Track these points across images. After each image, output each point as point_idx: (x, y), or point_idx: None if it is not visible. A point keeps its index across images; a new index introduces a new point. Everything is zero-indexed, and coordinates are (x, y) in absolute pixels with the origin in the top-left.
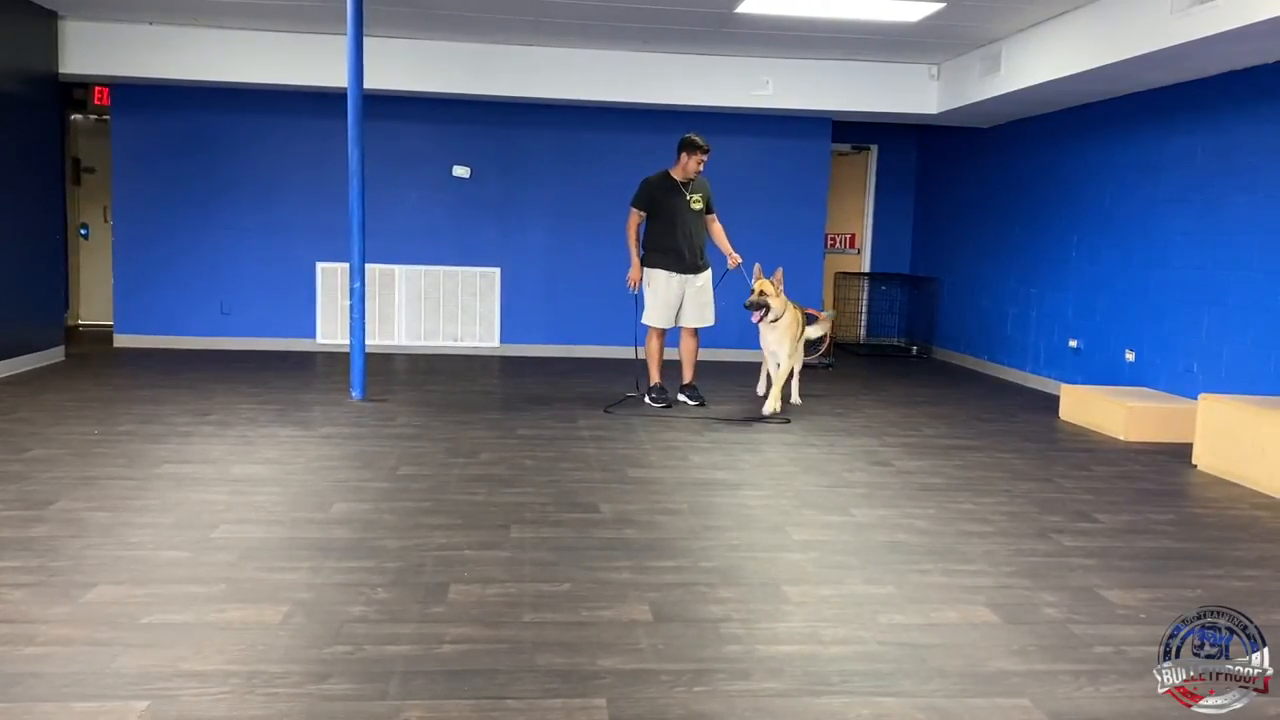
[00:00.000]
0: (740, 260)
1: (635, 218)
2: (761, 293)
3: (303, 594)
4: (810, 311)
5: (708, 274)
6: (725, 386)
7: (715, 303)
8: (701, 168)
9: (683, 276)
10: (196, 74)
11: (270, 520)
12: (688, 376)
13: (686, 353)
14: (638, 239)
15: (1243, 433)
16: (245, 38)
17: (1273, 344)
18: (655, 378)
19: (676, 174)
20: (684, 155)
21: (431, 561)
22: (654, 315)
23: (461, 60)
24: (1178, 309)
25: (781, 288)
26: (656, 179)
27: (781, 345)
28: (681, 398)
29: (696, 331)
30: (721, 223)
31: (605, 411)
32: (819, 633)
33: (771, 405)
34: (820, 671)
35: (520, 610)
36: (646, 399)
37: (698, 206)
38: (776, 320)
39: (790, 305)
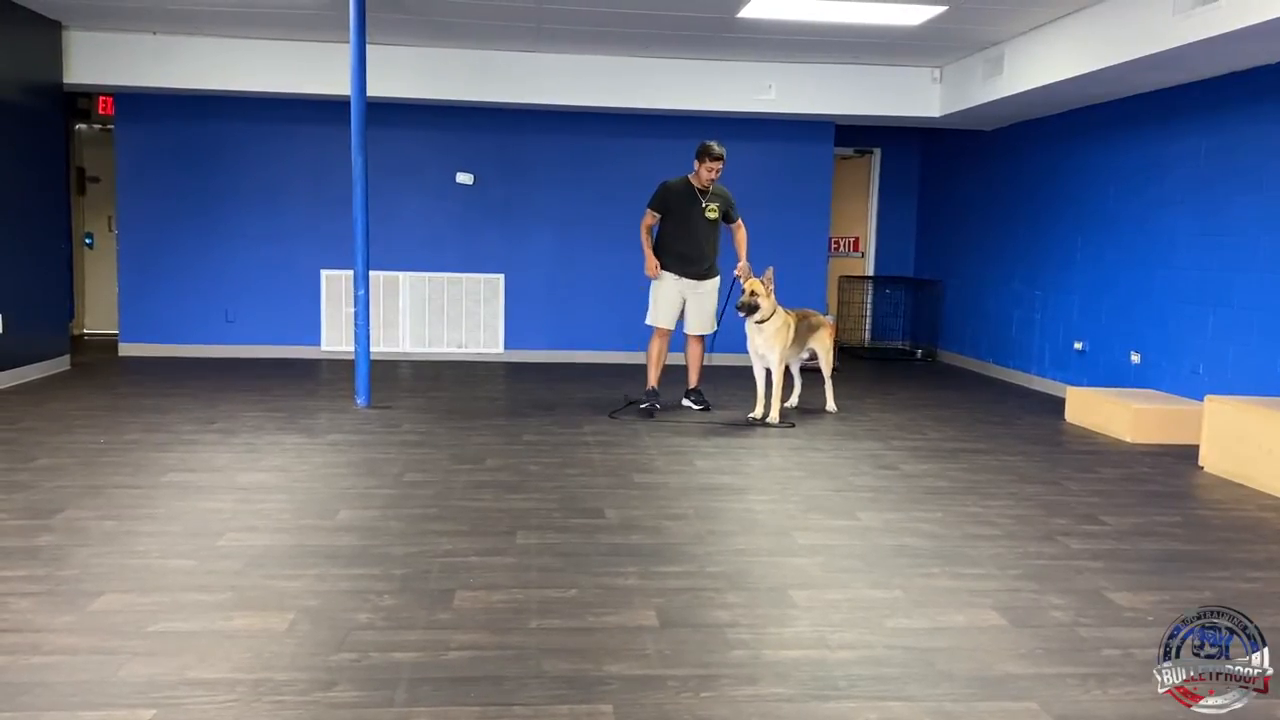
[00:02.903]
0: (746, 268)
1: (647, 218)
2: (753, 293)
3: (309, 601)
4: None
5: (714, 282)
6: (729, 391)
7: (723, 309)
8: (715, 174)
9: (688, 281)
10: (200, 83)
11: (276, 528)
12: (693, 381)
13: (691, 358)
14: (650, 238)
15: (1249, 434)
16: (249, 46)
17: (1278, 344)
18: (651, 381)
19: (695, 181)
20: (696, 162)
21: (437, 568)
22: (655, 315)
23: (464, 67)
24: (1182, 310)
25: (772, 287)
26: (675, 183)
27: (771, 349)
28: (686, 403)
29: (702, 338)
30: (724, 227)
31: (610, 416)
32: (826, 637)
33: (773, 416)
34: (827, 676)
35: (526, 616)
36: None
37: (712, 216)
38: (764, 322)
39: (781, 310)
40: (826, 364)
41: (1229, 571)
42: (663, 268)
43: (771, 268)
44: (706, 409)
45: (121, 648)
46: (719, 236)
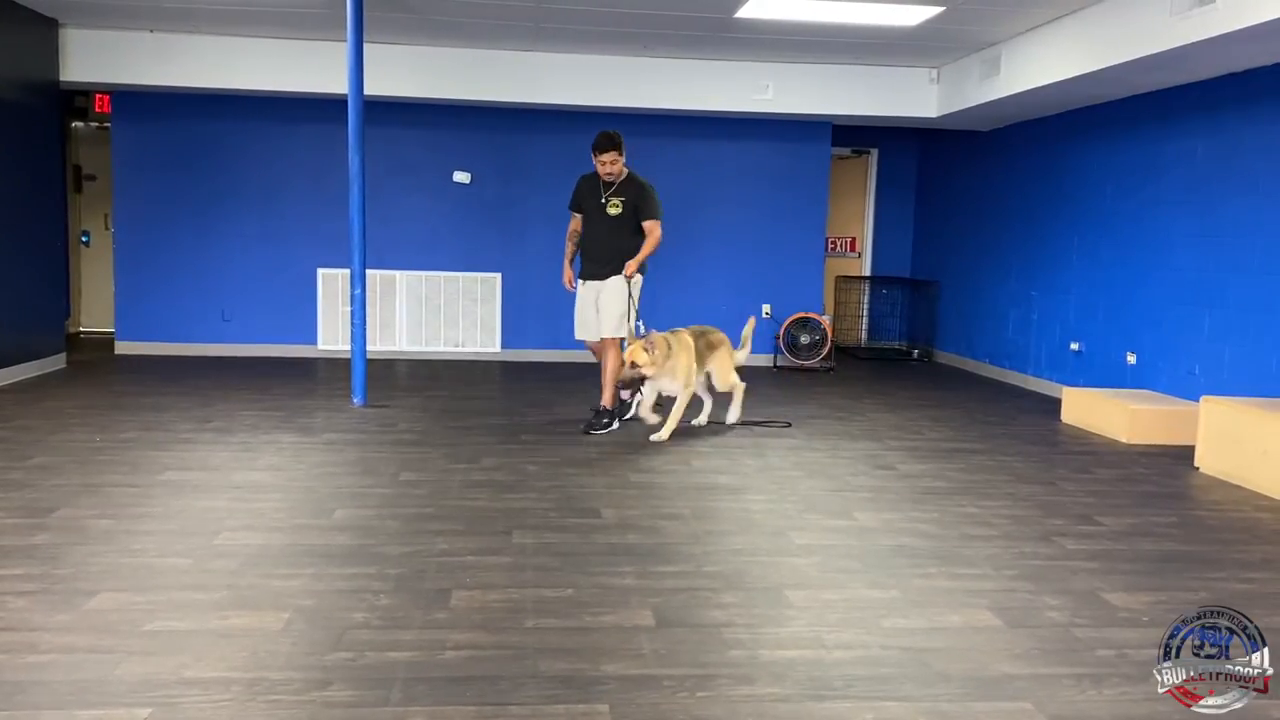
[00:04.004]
0: (632, 273)
1: (571, 222)
2: (634, 364)
3: (305, 600)
4: (811, 315)
5: (611, 280)
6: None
7: (715, 309)
8: (613, 167)
9: (593, 283)
10: (197, 81)
11: (272, 527)
12: (604, 398)
13: (602, 369)
14: (574, 244)
15: (1245, 435)
16: (246, 44)
17: (1274, 345)
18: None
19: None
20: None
21: (433, 567)
22: (578, 328)
23: (461, 66)
24: (1179, 311)
25: (653, 347)
26: (586, 177)
27: (672, 381)
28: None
29: (616, 345)
30: (721, 226)
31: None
32: (822, 637)
33: (662, 434)
34: (823, 676)
35: (523, 616)
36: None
37: (615, 211)
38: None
39: (674, 340)
40: (722, 385)
41: (1225, 572)
42: (580, 275)
43: (652, 332)
44: (585, 431)
45: (117, 646)
46: (628, 235)
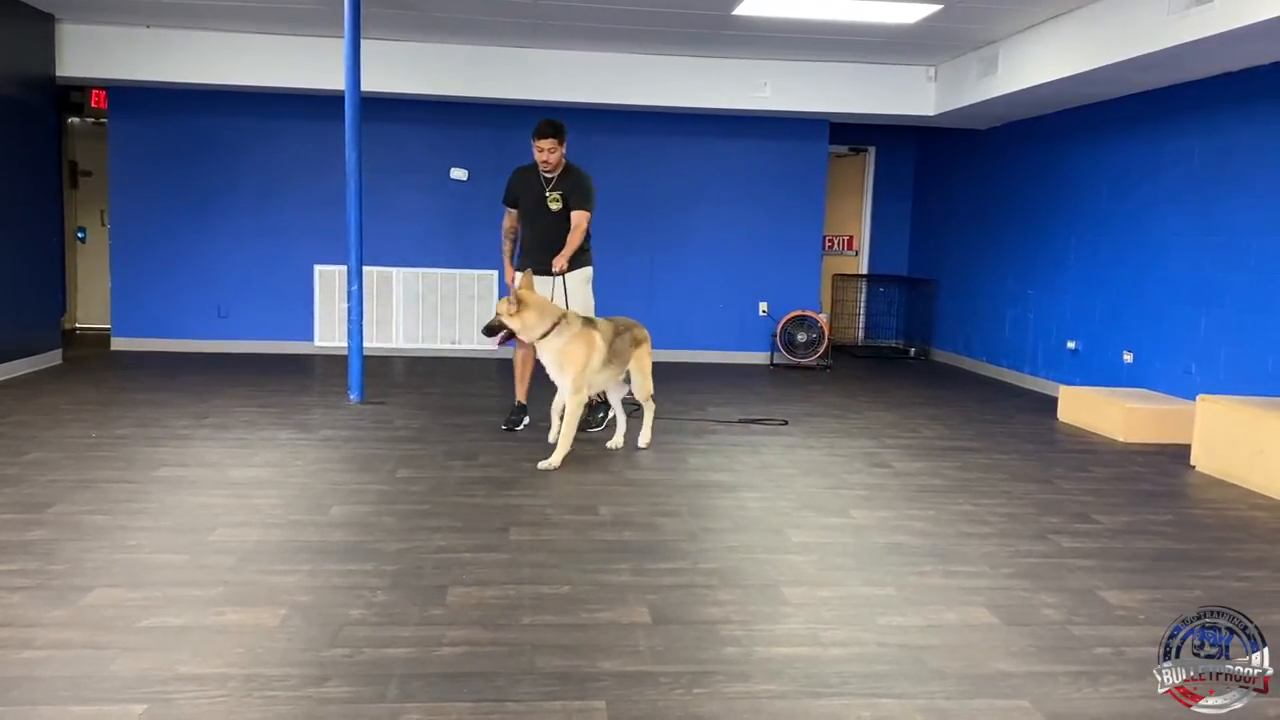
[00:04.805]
0: (561, 268)
1: (505, 218)
2: (498, 313)
3: (301, 597)
4: (808, 314)
5: (562, 278)
6: (720, 389)
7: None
8: (551, 157)
9: (540, 279)
10: (194, 77)
11: (268, 523)
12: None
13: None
14: (511, 241)
15: (1240, 434)
16: (243, 40)
17: (1270, 344)
18: (517, 395)
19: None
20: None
21: (430, 564)
22: None
23: (459, 62)
24: (1175, 310)
25: (516, 305)
26: (522, 169)
27: (560, 373)
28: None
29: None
30: (718, 224)
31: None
32: (818, 634)
33: (554, 460)
34: (819, 673)
35: (519, 612)
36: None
37: (555, 206)
38: (544, 337)
39: (578, 319)
40: (645, 388)
41: (1220, 570)
42: (519, 269)
43: (529, 273)
44: (509, 428)
45: (113, 642)
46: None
